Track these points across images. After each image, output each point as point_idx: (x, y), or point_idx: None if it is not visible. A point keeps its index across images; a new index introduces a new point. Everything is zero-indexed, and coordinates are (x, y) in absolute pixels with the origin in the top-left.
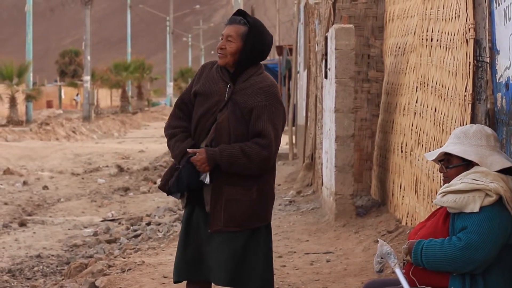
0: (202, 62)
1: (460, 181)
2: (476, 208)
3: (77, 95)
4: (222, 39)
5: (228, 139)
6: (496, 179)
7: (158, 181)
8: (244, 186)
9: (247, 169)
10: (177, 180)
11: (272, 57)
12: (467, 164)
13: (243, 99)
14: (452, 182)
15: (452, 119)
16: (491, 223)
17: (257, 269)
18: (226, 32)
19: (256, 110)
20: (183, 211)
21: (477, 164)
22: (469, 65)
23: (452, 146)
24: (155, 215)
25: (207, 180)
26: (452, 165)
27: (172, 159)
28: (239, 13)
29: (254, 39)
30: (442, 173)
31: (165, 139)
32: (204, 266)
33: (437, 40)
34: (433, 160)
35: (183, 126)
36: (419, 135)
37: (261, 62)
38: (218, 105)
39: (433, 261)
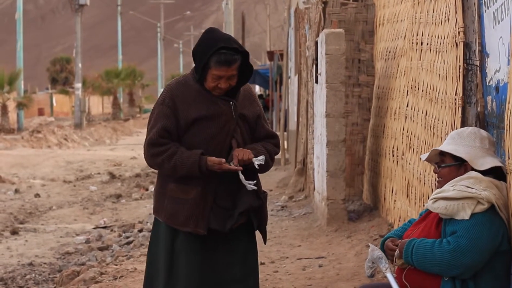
0: None
1: (453, 188)
2: (466, 216)
3: None
4: (220, 78)
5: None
6: (489, 186)
7: (150, 187)
8: (261, 191)
9: (269, 167)
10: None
11: (263, 62)
12: (459, 164)
13: (249, 111)
14: (444, 187)
15: (442, 122)
16: (481, 229)
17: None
18: (228, 73)
19: (259, 116)
20: (177, 239)
21: (470, 166)
22: (459, 68)
23: (445, 146)
24: (147, 222)
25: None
26: (445, 164)
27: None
28: (228, 47)
29: (247, 61)
30: (436, 174)
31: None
32: (222, 282)
33: (427, 44)
34: (428, 161)
35: (170, 143)
36: (410, 139)
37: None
38: (229, 124)
39: (422, 261)
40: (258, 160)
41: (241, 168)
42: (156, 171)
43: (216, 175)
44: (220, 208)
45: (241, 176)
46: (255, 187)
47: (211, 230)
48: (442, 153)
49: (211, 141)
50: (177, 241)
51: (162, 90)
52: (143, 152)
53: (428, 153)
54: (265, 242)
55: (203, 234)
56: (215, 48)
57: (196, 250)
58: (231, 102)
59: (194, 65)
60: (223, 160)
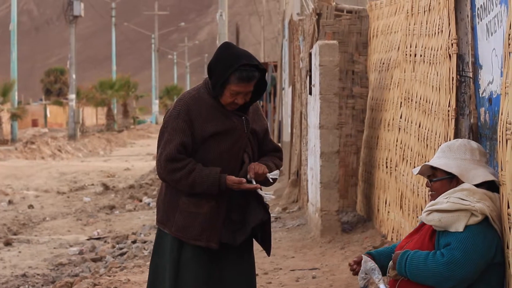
0: (188, 80)
1: (446, 200)
2: (460, 228)
3: None
4: (238, 94)
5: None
6: (483, 198)
7: (144, 198)
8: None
9: (275, 180)
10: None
11: None
12: (451, 178)
13: (257, 126)
14: (438, 200)
15: (436, 134)
16: (474, 241)
17: None
18: (246, 90)
19: (267, 131)
20: (185, 254)
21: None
22: (452, 80)
23: (436, 160)
24: (140, 233)
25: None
26: (436, 178)
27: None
28: (250, 64)
29: (263, 78)
30: (428, 187)
31: (151, 157)
32: None
33: (421, 56)
34: (421, 175)
35: (187, 159)
36: (404, 150)
37: None
38: (241, 139)
39: (416, 273)
40: (273, 175)
41: (259, 186)
42: (154, 182)
43: (230, 190)
44: (231, 221)
45: (260, 191)
46: (273, 197)
47: (221, 243)
48: (434, 167)
49: (224, 156)
50: (185, 253)
51: (155, 101)
52: (157, 166)
53: (419, 167)
54: (269, 254)
55: (215, 248)
56: (237, 65)
57: (204, 262)
58: (243, 117)
59: (187, 76)
60: (244, 180)
